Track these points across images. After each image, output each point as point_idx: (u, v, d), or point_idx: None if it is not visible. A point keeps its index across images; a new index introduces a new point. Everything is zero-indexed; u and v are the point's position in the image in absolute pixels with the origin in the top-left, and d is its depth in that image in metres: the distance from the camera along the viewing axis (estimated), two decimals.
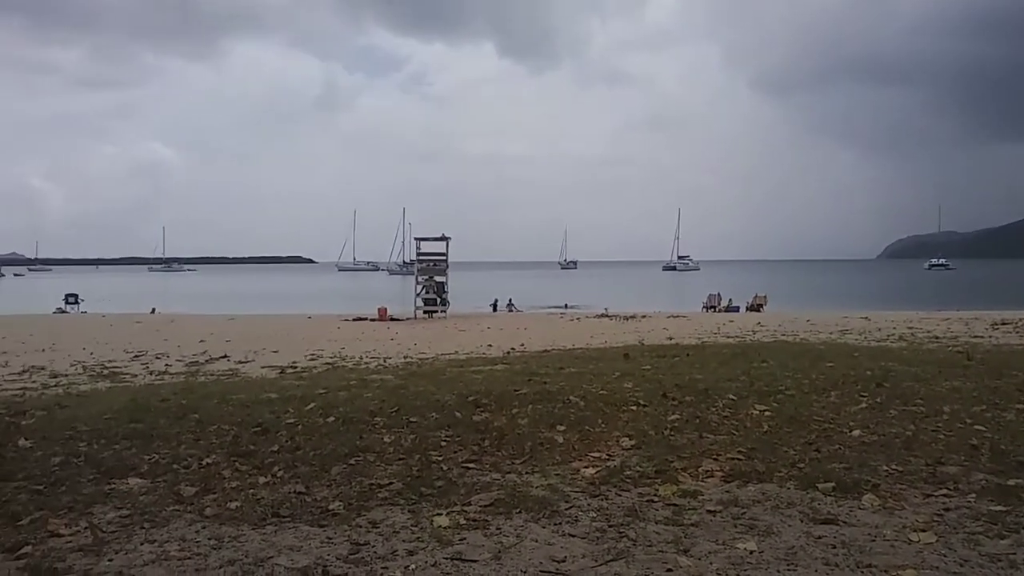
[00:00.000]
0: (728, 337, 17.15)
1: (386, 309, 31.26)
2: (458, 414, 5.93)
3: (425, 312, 31.68)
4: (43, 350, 16.41)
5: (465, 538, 3.40)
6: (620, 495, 4.04)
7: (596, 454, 4.84)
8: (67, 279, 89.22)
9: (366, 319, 29.06)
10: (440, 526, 3.53)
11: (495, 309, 41.73)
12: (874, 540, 3.42)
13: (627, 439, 5.16)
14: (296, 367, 12.25)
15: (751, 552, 3.28)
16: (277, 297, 57.30)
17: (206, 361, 13.94)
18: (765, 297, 38.43)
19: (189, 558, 3.18)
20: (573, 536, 3.45)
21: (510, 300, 43.56)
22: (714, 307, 38.28)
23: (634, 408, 6.18)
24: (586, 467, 4.54)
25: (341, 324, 26.39)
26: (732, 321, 25.35)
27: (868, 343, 14.29)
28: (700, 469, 4.47)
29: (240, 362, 13.52)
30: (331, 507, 3.80)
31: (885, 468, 4.44)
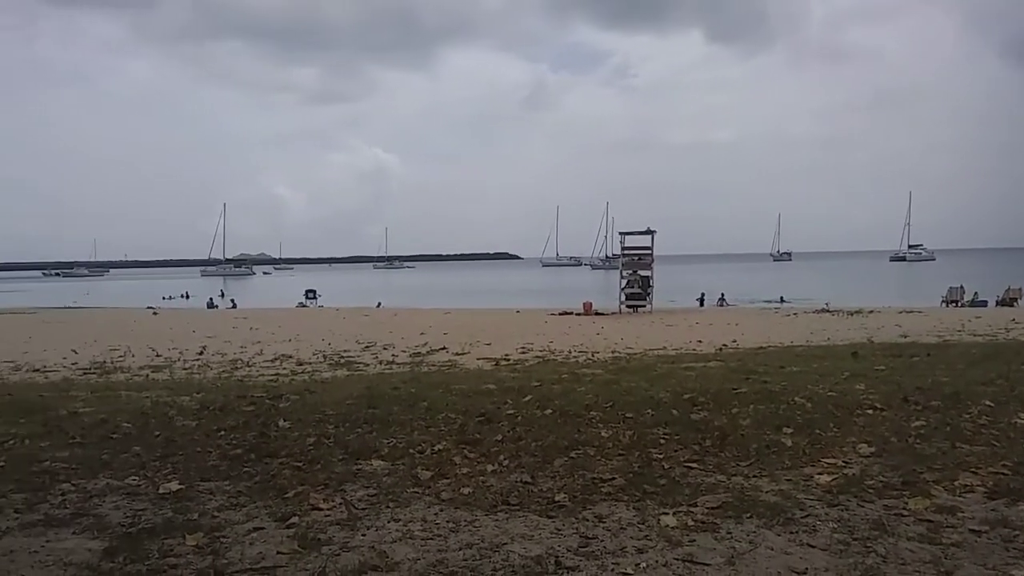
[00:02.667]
0: (975, 335, 15.33)
1: (591, 303, 31.58)
2: (675, 412, 5.82)
3: (629, 306, 31.55)
4: (289, 340, 18.47)
5: (695, 540, 3.31)
6: (862, 506, 3.73)
7: (830, 460, 4.51)
8: (306, 276, 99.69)
9: (571, 313, 29.57)
10: (667, 526, 3.47)
11: (702, 304, 40.57)
12: None
13: (865, 445, 4.76)
14: (509, 359, 12.73)
15: None
16: (486, 292, 59.90)
17: (427, 352, 14.91)
18: (1020, 290, 34.06)
19: (431, 539, 3.39)
20: (812, 547, 3.23)
21: (721, 295, 42.09)
22: (956, 302, 34.63)
23: (870, 412, 5.71)
24: (820, 474, 4.25)
25: (548, 318, 27.05)
26: (979, 317, 22.68)
27: None
28: (956, 483, 4.01)
29: (457, 354, 14.31)
30: (557, 499, 3.88)
31: None
